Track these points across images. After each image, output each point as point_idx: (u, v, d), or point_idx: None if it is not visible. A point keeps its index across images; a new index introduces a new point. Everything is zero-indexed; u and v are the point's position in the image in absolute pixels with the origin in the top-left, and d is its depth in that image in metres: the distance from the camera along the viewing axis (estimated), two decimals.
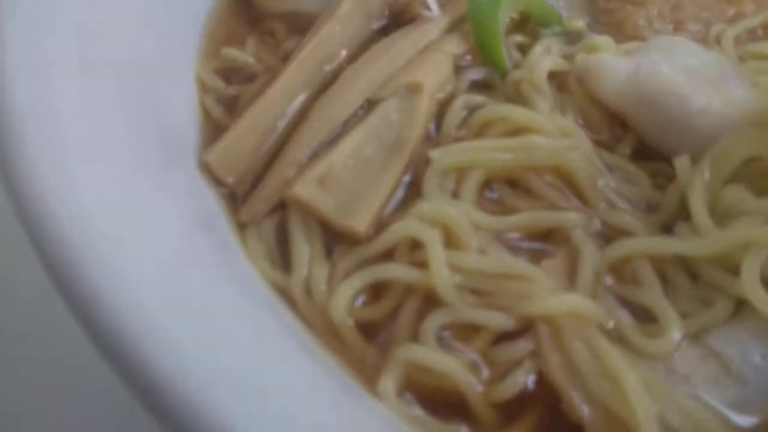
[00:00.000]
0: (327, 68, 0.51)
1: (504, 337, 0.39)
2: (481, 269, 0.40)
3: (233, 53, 0.52)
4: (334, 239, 0.43)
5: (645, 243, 0.42)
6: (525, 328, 0.39)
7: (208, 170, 0.44)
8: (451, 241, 0.41)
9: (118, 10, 0.46)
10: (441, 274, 0.39)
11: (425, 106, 0.48)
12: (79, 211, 0.33)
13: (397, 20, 0.55)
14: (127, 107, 0.42)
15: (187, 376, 0.29)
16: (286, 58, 0.52)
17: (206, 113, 0.49)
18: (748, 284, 0.39)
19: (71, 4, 0.41)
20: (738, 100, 0.47)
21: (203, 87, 0.50)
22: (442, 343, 0.39)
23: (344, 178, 0.44)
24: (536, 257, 0.42)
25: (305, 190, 0.43)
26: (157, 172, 0.41)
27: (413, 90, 0.49)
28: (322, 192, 0.43)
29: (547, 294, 0.39)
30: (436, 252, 0.40)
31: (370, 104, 0.49)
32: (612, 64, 0.50)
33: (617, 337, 0.39)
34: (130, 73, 0.44)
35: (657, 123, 0.49)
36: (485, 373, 0.38)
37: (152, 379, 0.28)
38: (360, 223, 0.42)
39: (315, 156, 0.46)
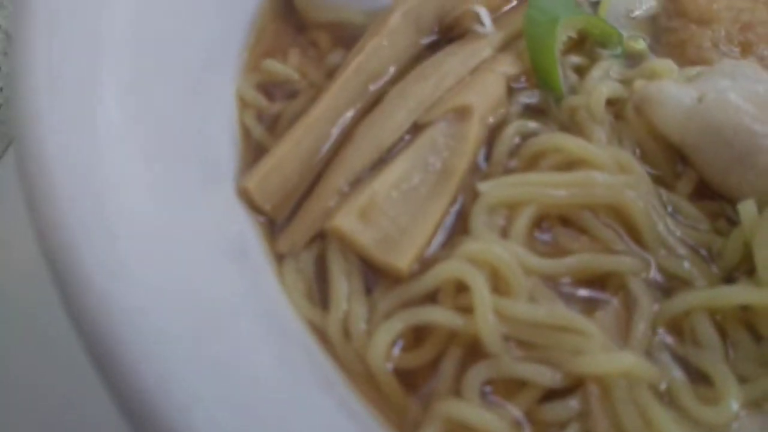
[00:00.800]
0: (373, 87, 0.48)
1: (551, 394, 0.37)
2: (530, 319, 0.38)
3: (275, 66, 0.50)
4: (375, 276, 0.41)
5: (705, 296, 0.40)
6: (574, 386, 0.37)
7: (246, 196, 0.43)
8: (499, 286, 0.39)
9: (161, 20, 0.44)
10: (487, 322, 0.37)
11: (475, 131, 0.46)
12: (107, 235, 0.32)
13: (448, 35, 0.53)
14: (165, 125, 0.41)
15: (207, 414, 0.27)
16: (331, 73, 0.50)
17: (246, 132, 0.47)
18: None
19: (113, 17, 0.39)
20: None
21: (243, 103, 0.48)
22: (484, 398, 0.37)
23: (387, 210, 0.42)
24: (589, 306, 0.40)
25: (346, 221, 0.41)
26: (192, 194, 0.40)
27: (463, 114, 0.46)
28: (364, 224, 0.41)
29: (601, 351, 0.37)
30: (483, 297, 0.37)
31: (417, 128, 0.47)
32: (673, 93, 0.47)
33: (669, 400, 0.37)
34: (170, 89, 0.42)
35: (721, 160, 0.46)
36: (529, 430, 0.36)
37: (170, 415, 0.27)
38: (402, 260, 0.40)
39: (358, 183, 0.44)
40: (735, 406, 0.36)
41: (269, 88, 0.50)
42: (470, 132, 0.45)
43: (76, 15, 0.38)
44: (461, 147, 0.45)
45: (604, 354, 0.37)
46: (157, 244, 0.34)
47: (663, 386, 0.38)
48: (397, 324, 0.39)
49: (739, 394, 0.37)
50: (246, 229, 0.42)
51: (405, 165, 0.44)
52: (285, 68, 0.50)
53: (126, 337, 0.29)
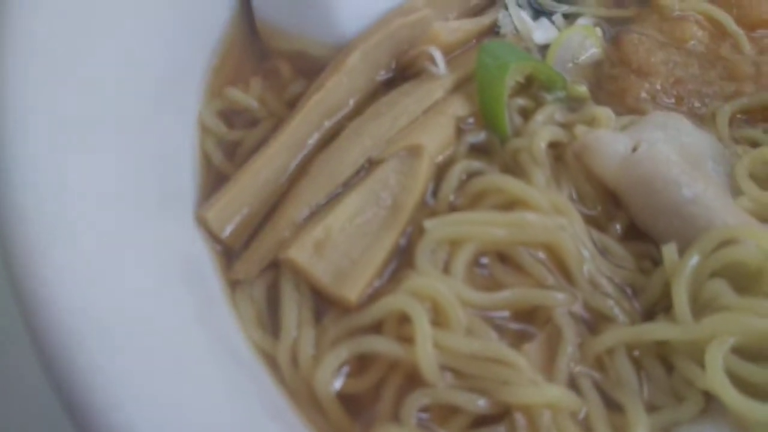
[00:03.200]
0: (330, 122, 0.51)
1: (481, 420, 0.40)
2: (465, 351, 0.41)
3: (237, 94, 0.52)
4: (325, 305, 0.44)
5: (626, 333, 0.44)
6: (503, 413, 0.40)
7: (204, 225, 0.45)
8: (439, 318, 0.42)
9: (126, 41, 0.46)
10: (426, 353, 0.40)
11: (425, 170, 0.49)
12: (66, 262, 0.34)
13: (404, 73, 0.56)
14: (127, 150, 0.43)
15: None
16: (291, 103, 0.53)
17: (206, 158, 0.49)
18: (711, 373, 0.41)
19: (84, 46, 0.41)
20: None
21: (205, 130, 0.50)
22: (421, 423, 0.40)
23: (340, 244, 0.45)
24: (520, 338, 0.43)
25: (300, 253, 0.44)
26: (150, 220, 0.42)
27: (414, 153, 0.49)
28: (317, 257, 0.44)
29: (528, 384, 0.40)
30: (423, 329, 0.41)
31: (372, 164, 0.50)
32: (609, 142, 0.51)
33: (587, 427, 0.41)
34: (132, 113, 0.44)
35: (650, 206, 0.50)
36: None
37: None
38: (352, 291, 0.43)
39: (313, 216, 0.47)
40: None
41: (230, 115, 0.52)
42: (420, 170, 0.49)
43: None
44: (411, 184, 0.48)
45: (531, 387, 0.40)
46: (112, 269, 0.36)
47: (582, 414, 0.41)
48: (343, 352, 0.41)
49: (647, 422, 0.41)
50: (202, 256, 0.44)
51: (358, 200, 0.47)
52: (246, 97, 0.53)
53: (76, 366, 0.31)
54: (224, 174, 0.48)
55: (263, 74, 0.55)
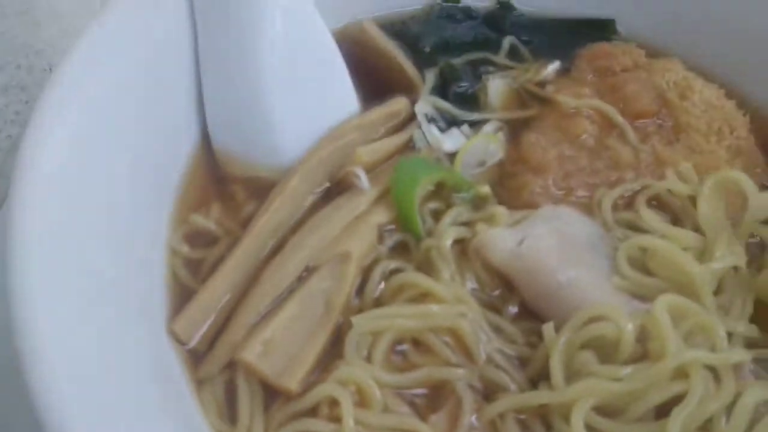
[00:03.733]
0: (275, 240, 0.63)
1: None
2: (380, 425, 0.52)
3: (199, 220, 0.64)
4: (272, 394, 0.55)
5: (512, 401, 0.55)
6: None
7: (174, 335, 0.56)
8: (362, 399, 0.54)
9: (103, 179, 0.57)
10: (350, 430, 0.52)
11: (352, 273, 0.61)
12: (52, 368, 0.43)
13: (337, 187, 0.68)
14: (109, 267, 0.54)
15: None
16: (245, 223, 0.65)
17: (175, 276, 0.61)
18: (575, 429, 0.52)
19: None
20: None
21: (173, 252, 0.62)
22: None
23: (283, 343, 0.56)
24: (427, 410, 0.55)
25: (250, 354, 0.55)
26: (128, 332, 0.53)
27: (343, 259, 0.61)
28: (264, 356, 0.55)
29: None
30: (347, 411, 0.52)
31: (309, 270, 0.61)
32: (500, 238, 0.63)
33: None
34: (111, 239, 0.55)
35: (534, 290, 0.62)
36: None
37: None
38: (292, 382, 0.54)
39: (262, 320, 0.58)
40: None
41: (194, 237, 0.64)
42: (348, 273, 0.60)
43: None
44: (340, 287, 0.60)
45: None
46: (95, 373, 0.46)
47: None
48: None
49: None
50: (173, 361, 0.55)
51: (298, 304, 0.58)
52: (207, 221, 0.64)
53: None
54: (190, 288, 0.60)
55: (221, 198, 0.67)
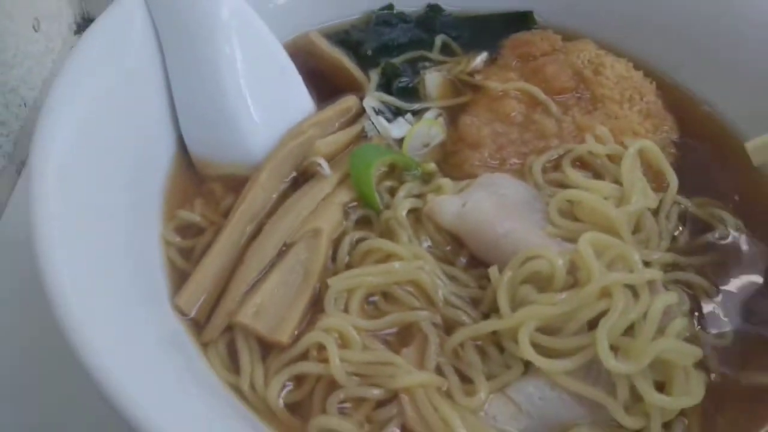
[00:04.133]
0: (253, 225, 0.73)
1: (380, 404, 0.61)
2: (362, 360, 0.62)
3: (184, 214, 0.73)
4: (267, 347, 0.65)
5: (469, 331, 0.65)
6: (393, 397, 0.61)
7: (178, 309, 0.66)
8: (343, 342, 0.63)
9: (103, 188, 0.66)
10: (337, 366, 0.61)
11: (324, 245, 0.70)
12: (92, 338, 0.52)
13: (303, 176, 0.78)
14: (114, 265, 0.62)
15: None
16: (225, 213, 0.74)
17: (171, 262, 0.70)
18: (522, 347, 0.61)
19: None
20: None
21: (167, 243, 0.71)
22: (341, 411, 0.61)
23: (271, 305, 0.66)
24: (399, 346, 0.65)
25: (245, 317, 0.64)
26: (144, 307, 0.62)
27: (315, 234, 0.71)
28: (257, 317, 0.65)
29: (405, 374, 0.61)
30: (333, 352, 0.62)
31: (287, 246, 0.71)
32: (446, 204, 0.74)
33: (448, 395, 0.62)
34: (114, 235, 0.64)
35: (479, 243, 0.72)
36: (367, 428, 0.61)
37: None
38: (284, 336, 0.64)
39: (251, 289, 0.68)
40: (484, 396, 0.61)
41: (183, 229, 0.73)
42: (321, 245, 0.70)
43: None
44: (316, 256, 0.70)
45: (407, 375, 0.61)
46: (122, 342, 0.54)
47: (445, 387, 0.63)
48: (284, 376, 0.62)
49: (487, 386, 0.62)
50: (179, 329, 0.64)
51: (281, 273, 0.68)
52: (192, 215, 0.74)
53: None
54: (186, 272, 0.69)
55: (202, 195, 0.76)
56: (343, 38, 0.94)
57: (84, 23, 1.23)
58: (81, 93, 0.66)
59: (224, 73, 0.75)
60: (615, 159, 0.81)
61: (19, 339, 0.78)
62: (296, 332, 0.66)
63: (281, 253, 0.71)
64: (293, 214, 0.72)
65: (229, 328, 0.66)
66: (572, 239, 0.71)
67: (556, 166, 0.83)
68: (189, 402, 0.55)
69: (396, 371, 0.62)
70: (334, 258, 0.72)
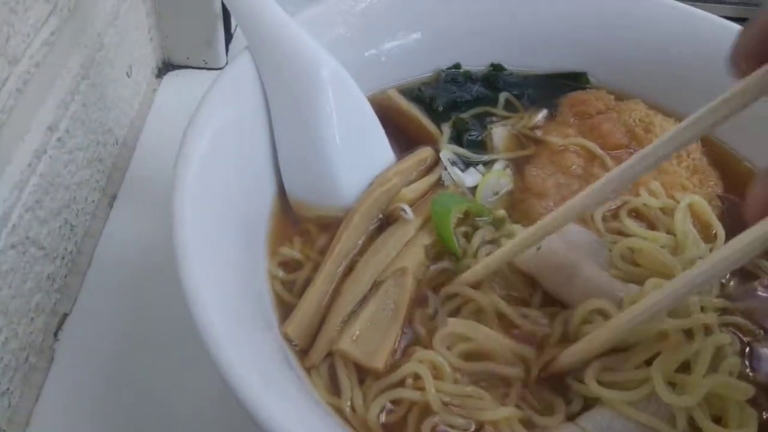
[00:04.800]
0: (347, 261, 0.81)
1: None
2: (454, 392, 0.69)
3: (286, 251, 0.81)
4: (364, 374, 0.72)
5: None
6: (480, 428, 0.68)
7: (286, 336, 0.73)
8: (437, 374, 0.70)
9: (220, 225, 0.73)
10: (432, 394, 0.68)
11: (410, 283, 0.78)
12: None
13: (388, 220, 0.86)
14: (241, 295, 0.70)
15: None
16: (321, 251, 0.82)
17: (276, 293, 0.78)
18: (589, 385, 0.68)
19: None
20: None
21: (272, 276, 0.79)
22: None
23: (367, 335, 0.73)
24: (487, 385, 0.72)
25: (345, 344, 0.72)
26: (262, 333, 0.70)
27: (403, 273, 0.78)
28: (355, 345, 0.72)
29: (493, 408, 0.68)
30: (429, 381, 0.68)
31: (376, 284, 0.78)
32: None
33: (528, 421, 0.69)
34: (226, 268, 0.71)
35: (552, 283, 0.78)
36: None
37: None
38: (380, 363, 0.71)
39: (348, 320, 0.75)
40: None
41: (286, 263, 0.81)
42: (407, 283, 0.77)
43: None
44: (404, 292, 0.77)
45: (495, 409, 0.68)
46: (253, 360, 0.61)
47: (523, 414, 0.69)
48: (382, 400, 0.69)
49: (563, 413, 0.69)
50: (288, 353, 0.72)
51: (374, 307, 0.75)
52: (292, 251, 0.81)
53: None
54: (290, 303, 0.76)
55: (300, 234, 0.84)
56: (416, 95, 1.04)
57: (164, 68, 1.33)
58: (208, 133, 0.75)
59: (322, 127, 0.83)
60: (667, 211, 0.89)
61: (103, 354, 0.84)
62: (389, 360, 0.72)
63: (373, 289, 0.78)
64: (383, 253, 0.80)
65: (329, 355, 0.73)
66: (632, 281, 0.78)
67: (614, 215, 0.90)
68: (308, 415, 0.62)
69: (485, 405, 0.68)
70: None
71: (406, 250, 0.81)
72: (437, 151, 0.95)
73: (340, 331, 0.74)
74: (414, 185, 0.88)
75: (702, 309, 0.75)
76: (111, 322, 0.86)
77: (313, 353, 0.73)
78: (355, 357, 0.72)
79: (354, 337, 0.73)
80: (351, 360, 0.72)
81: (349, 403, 0.70)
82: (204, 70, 1.21)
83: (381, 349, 0.72)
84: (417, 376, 0.70)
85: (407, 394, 0.69)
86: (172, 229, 0.64)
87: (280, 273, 0.80)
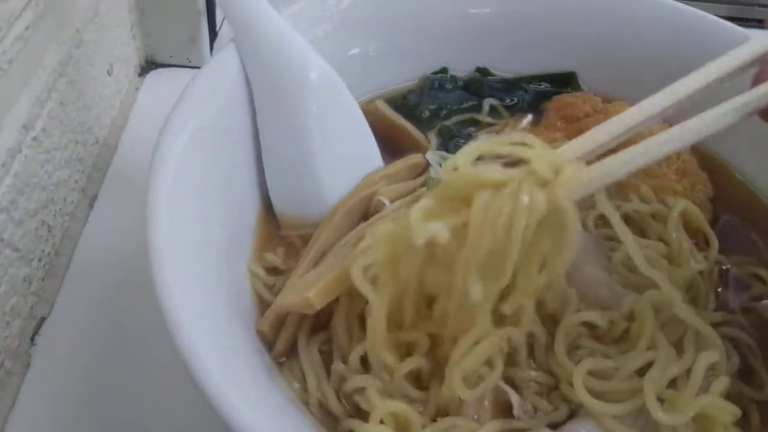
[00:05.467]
0: None
1: None
2: None
3: (270, 257, 0.80)
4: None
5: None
6: None
7: (260, 335, 0.71)
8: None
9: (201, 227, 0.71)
10: None
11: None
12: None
13: (367, 216, 0.84)
14: (217, 295, 0.67)
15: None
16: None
17: (257, 293, 0.76)
18: (577, 390, 0.66)
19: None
20: None
21: (253, 276, 0.78)
22: None
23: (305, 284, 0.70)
24: None
25: (280, 299, 0.71)
26: (236, 330, 0.68)
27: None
28: (290, 294, 0.70)
29: None
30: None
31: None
32: None
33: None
34: (215, 270, 0.70)
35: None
36: None
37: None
38: (310, 292, 0.66)
39: None
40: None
41: (270, 268, 0.80)
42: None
43: None
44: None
45: None
46: (219, 348, 0.59)
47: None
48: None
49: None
50: (264, 352, 0.70)
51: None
52: (276, 258, 0.80)
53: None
54: (269, 301, 0.75)
55: (284, 245, 0.82)
56: (402, 104, 1.03)
57: (147, 66, 1.31)
58: (184, 138, 0.72)
59: (311, 131, 0.80)
60: (658, 217, 0.88)
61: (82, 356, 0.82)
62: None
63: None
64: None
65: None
66: (631, 287, 0.76)
67: (606, 222, 0.89)
68: (280, 415, 0.61)
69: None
70: None
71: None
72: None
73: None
74: (396, 186, 0.86)
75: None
76: (90, 327, 0.84)
77: (279, 343, 0.71)
78: (291, 305, 0.66)
79: (286, 291, 0.69)
80: (289, 310, 0.67)
81: (318, 395, 0.68)
82: (188, 69, 1.19)
83: (315, 284, 0.65)
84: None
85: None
86: (146, 231, 0.61)
87: (261, 273, 0.78)
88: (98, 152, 1.11)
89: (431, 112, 1.02)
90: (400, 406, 0.61)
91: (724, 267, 0.85)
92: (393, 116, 0.99)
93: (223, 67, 0.81)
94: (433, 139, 0.98)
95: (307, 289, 0.64)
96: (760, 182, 0.98)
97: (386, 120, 0.98)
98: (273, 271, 0.80)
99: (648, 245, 0.82)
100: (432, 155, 0.93)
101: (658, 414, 0.65)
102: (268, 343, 0.72)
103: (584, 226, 0.86)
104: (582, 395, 0.66)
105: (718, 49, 0.62)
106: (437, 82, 1.06)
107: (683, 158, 0.97)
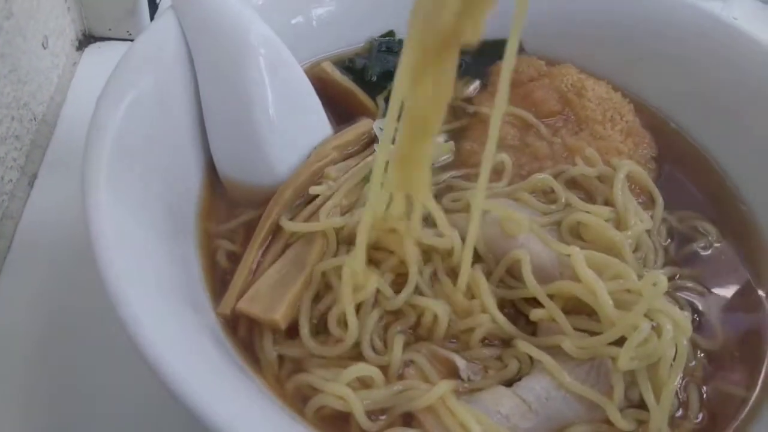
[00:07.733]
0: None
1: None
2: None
3: (226, 244, 0.78)
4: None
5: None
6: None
7: (222, 316, 0.70)
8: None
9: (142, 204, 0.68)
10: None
11: (319, 241, 0.75)
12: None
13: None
14: (165, 276, 0.66)
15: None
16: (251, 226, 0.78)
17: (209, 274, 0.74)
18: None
19: None
20: None
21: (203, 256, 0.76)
22: None
23: (268, 291, 0.70)
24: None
25: (242, 304, 0.69)
26: (190, 314, 0.66)
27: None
28: (253, 303, 0.69)
29: (424, 393, 0.65)
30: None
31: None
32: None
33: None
34: (162, 245, 0.68)
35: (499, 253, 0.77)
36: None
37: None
38: (277, 313, 0.68)
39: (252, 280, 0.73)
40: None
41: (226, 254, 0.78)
42: (316, 241, 0.75)
43: None
44: (311, 250, 0.75)
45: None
46: (172, 332, 0.57)
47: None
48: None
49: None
50: (219, 332, 0.69)
51: (279, 266, 0.74)
52: (233, 246, 0.78)
53: None
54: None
55: (244, 227, 0.80)
56: (350, 66, 1.01)
57: (86, 40, 1.27)
58: (123, 107, 0.69)
59: (252, 97, 0.78)
60: (604, 179, 0.88)
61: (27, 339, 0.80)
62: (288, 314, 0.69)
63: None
64: None
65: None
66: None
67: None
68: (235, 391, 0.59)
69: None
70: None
71: None
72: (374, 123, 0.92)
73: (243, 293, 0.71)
74: (342, 164, 0.85)
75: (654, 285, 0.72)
76: (33, 308, 0.82)
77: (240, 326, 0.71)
78: (255, 314, 0.67)
79: (253, 296, 0.69)
80: (251, 317, 0.68)
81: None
82: (128, 42, 1.15)
83: (280, 301, 0.67)
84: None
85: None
86: (84, 207, 0.59)
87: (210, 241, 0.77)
88: (36, 129, 1.07)
89: (380, 75, 1.00)
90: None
91: (668, 222, 0.87)
92: (340, 79, 0.97)
93: (161, 34, 0.78)
94: (381, 104, 0.97)
95: (273, 309, 0.67)
96: (701, 136, 0.99)
97: (334, 83, 0.96)
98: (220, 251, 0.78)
99: (591, 210, 0.82)
100: (379, 123, 0.92)
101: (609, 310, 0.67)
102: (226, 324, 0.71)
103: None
104: (538, 354, 0.68)
105: (651, 6, 0.61)
106: (384, 45, 1.04)
107: (627, 119, 0.97)
